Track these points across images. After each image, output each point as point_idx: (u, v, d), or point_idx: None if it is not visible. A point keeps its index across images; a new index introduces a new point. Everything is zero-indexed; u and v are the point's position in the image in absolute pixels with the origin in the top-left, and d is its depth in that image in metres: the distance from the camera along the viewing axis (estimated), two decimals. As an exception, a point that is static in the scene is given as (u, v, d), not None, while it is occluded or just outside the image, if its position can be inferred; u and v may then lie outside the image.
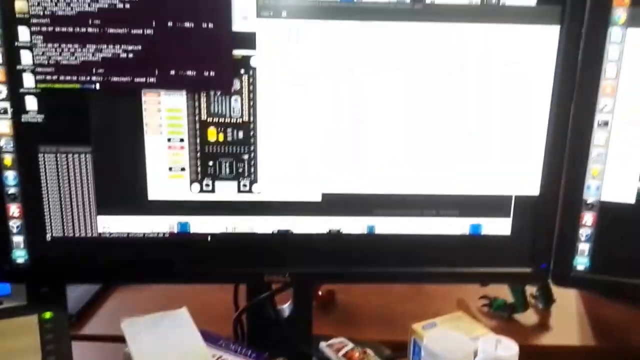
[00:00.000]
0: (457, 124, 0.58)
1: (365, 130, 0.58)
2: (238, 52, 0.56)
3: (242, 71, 0.57)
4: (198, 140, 0.58)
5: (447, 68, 0.57)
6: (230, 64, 0.56)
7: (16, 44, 0.55)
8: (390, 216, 0.61)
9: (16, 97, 0.56)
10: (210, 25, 0.55)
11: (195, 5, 0.54)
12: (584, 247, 0.62)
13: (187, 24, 0.55)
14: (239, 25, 0.56)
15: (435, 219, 0.61)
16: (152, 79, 0.56)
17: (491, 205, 0.61)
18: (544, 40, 0.57)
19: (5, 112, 0.57)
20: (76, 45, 0.55)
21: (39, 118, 0.57)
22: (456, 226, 0.62)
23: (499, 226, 0.62)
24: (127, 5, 0.54)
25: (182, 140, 0.58)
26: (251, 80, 0.57)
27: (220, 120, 0.58)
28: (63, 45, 0.55)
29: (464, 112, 0.58)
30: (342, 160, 0.59)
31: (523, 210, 0.61)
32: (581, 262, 0.62)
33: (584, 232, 0.61)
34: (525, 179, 0.60)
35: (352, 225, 0.62)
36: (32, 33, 0.54)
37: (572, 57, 0.57)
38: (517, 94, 0.58)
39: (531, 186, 0.61)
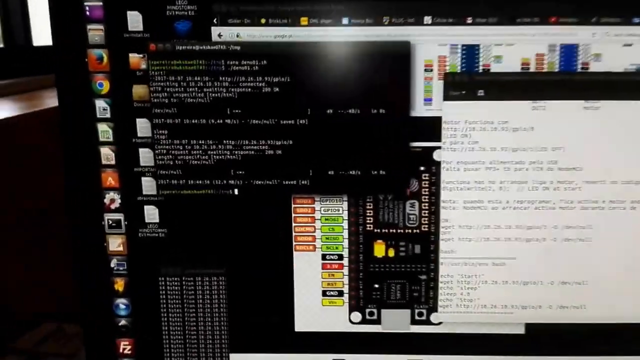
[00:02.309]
0: None
1: (589, 240, 0.43)
2: (417, 144, 0.43)
3: (422, 168, 0.43)
4: (361, 257, 0.45)
5: None
6: (406, 160, 0.43)
7: (134, 140, 0.43)
8: (626, 354, 0.45)
9: (132, 207, 0.44)
10: (382, 111, 0.42)
11: (363, 87, 0.41)
12: None
13: (351, 111, 0.42)
14: (420, 109, 0.42)
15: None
16: (305, 182, 0.43)
17: None
18: None
19: (118, 225, 0.45)
20: (210, 142, 0.42)
21: (161, 233, 0.45)
22: None
23: None
24: (276, 89, 0.41)
25: (340, 257, 0.45)
26: (433, 179, 0.43)
27: (391, 232, 0.44)
28: (194, 142, 0.42)
29: None
30: (554, 280, 0.44)
31: None
32: None
33: None
34: None
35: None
36: (154, 126, 0.42)
37: None
38: None
39: None
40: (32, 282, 0.60)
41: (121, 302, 0.46)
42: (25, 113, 0.67)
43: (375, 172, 0.43)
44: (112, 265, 0.45)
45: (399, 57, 0.41)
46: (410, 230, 0.44)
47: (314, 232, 0.44)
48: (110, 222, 0.45)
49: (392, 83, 0.41)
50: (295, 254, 0.45)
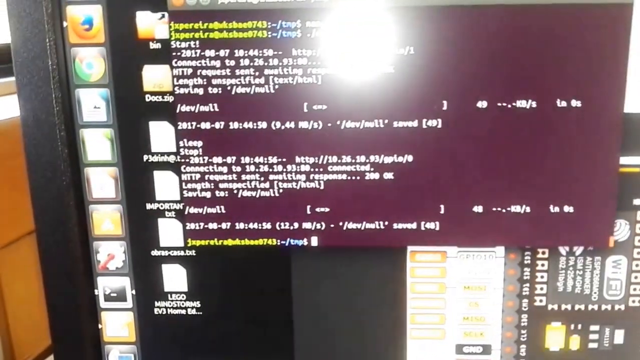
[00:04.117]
0: None
1: None
2: (631, 161, 0.25)
3: (637, 201, 0.25)
4: (523, 351, 0.27)
5: None
6: (611, 188, 0.25)
7: (146, 158, 0.26)
8: None
9: (145, 268, 0.27)
10: (575, 103, 0.24)
11: (540, 63, 0.24)
12: None
13: (520, 104, 0.24)
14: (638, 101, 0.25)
15: None
16: (432, 225, 0.26)
17: None
18: None
19: (121, 296, 0.27)
20: (273, 160, 0.25)
21: (190, 308, 0.27)
22: None
23: None
24: (390, 70, 0.24)
25: (487, 349, 0.27)
26: (656, 220, 0.26)
27: (576, 309, 0.27)
28: (245, 160, 0.25)
29: None
30: None
31: None
32: None
33: None
34: None
35: None
36: (180, 135, 0.25)
37: None
38: None
39: None
40: (37, 316, 0.46)
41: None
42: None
43: (556, 207, 0.25)
44: (111, 360, 0.28)
45: (610, 10, 0.24)
46: (610, 307, 0.26)
47: (444, 308, 0.27)
48: (108, 291, 0.27)
49: (593, 55, 0.24)
50: (410, 342, 0.27)
